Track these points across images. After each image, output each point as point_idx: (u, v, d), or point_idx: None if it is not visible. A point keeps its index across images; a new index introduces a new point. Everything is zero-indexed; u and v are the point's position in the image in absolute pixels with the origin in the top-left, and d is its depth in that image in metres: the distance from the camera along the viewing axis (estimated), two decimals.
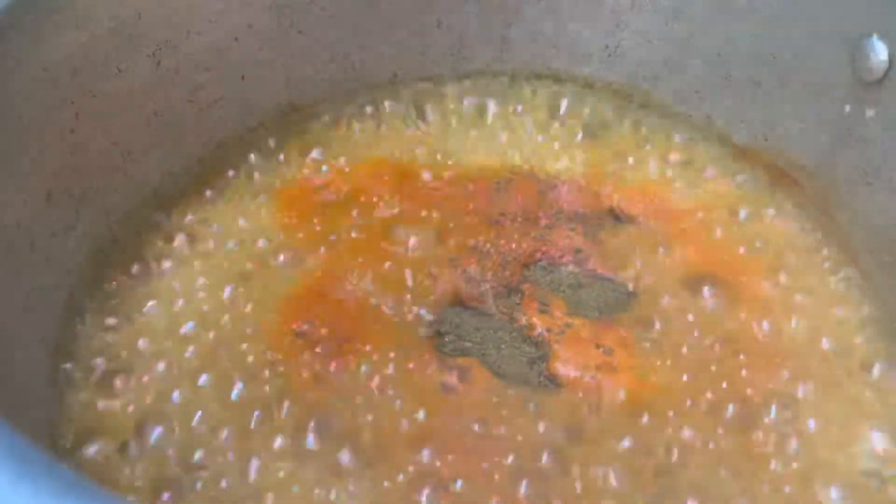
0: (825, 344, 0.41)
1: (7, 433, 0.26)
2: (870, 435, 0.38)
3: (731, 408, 0.39)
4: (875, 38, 0.41)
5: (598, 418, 0.38)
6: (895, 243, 0.42)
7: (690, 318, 0.42)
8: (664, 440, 0.38)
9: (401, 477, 0.36)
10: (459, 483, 0.36)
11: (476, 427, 0.38)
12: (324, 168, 0.48)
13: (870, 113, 0.42)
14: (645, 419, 0.38)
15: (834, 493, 0.36)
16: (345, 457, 0.37)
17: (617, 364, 0.40)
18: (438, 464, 0.36)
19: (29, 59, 0.38)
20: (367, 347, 0.40)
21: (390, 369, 0.40)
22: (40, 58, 0.39)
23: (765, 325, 0.42)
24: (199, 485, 0.36)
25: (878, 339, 0.41)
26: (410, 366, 0.40)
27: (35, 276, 0.39)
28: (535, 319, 0.42)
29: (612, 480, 0.36)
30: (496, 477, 0.36)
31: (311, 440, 0.37)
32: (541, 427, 0.38)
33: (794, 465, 0.37)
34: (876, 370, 0.40)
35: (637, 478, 0.36)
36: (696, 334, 0.41)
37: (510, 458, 0.37)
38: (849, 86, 0.43)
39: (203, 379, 0.39)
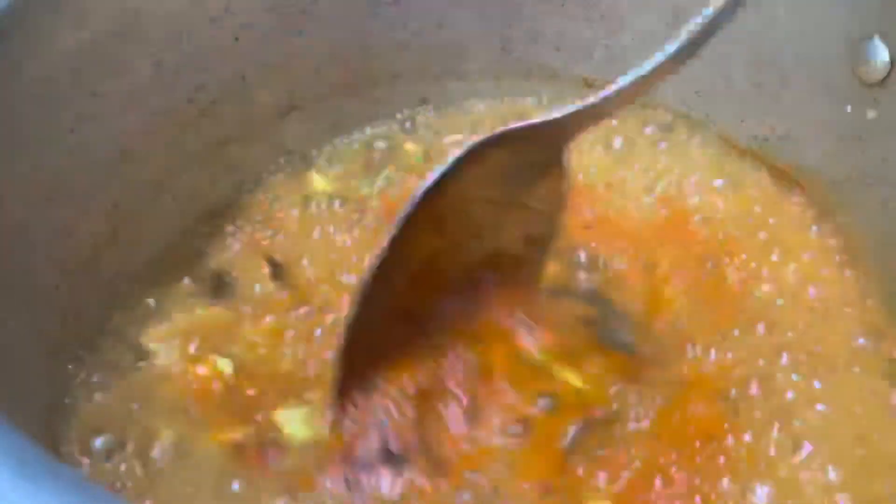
0: (826, 344, 0.41)
1: (7, 433, 0.26)
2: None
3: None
4: (876, 39, 0.41)
5: None
6: (895, 243, 0.42)
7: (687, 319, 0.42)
8: None
9: None
10: None
11: None
12: (325, 170, 0.48)
13: (871, 114, 0.42)
14: None
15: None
16: None
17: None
18: None
19: (29, 59, 0.38)
20: None
21: None
22: (40, 58, 0.39)
23: (764, 326, 0.42)
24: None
25: (879, 338, 0.41)
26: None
27: (35, 277, 0.39)
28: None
29: None
30: None
31: None
32: None
33: None
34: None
35: None
36: (696, 342, 0.41)
37: None
38: (850, 87, 0.43)
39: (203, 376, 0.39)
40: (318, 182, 0.48)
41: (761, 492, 0.36)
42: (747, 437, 0.38)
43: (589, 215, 0.46)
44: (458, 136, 0.50)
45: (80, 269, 0.41)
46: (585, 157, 0.49)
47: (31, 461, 0.25)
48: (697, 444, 0.37)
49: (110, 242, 0.43)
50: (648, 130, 0.50)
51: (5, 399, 0.32)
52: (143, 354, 0.41)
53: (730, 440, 0.37)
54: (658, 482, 0.36)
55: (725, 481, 0.36)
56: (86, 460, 0.37)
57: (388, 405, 0.37)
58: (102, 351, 0.41)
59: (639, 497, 0.36)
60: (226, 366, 0.40)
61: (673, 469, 0.36)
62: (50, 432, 0.37)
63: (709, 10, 0.34)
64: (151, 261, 0.44)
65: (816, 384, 0.40)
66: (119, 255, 0.43)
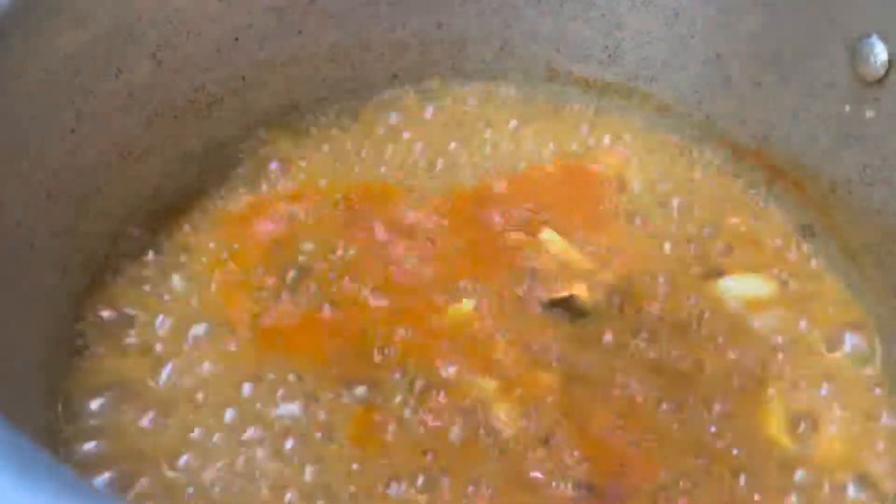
0: (825, 344, 0.41)
1: (7, 433, 0.26)
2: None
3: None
4: (875, 38, 0.41)
5: None
6: (895, 243, 0.42)
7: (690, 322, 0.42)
8: None
9: None
10: None
11: None
12: (331, 172, 0.48)
13: (870, 113, 0.42)
14: None
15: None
16: None
17: None
18: None
19: (29, 59, 0.38)
20: None
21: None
22: (40, 58, 0.39)
23: (764, 326, 0.42)
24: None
25: (878, 338, 0.41)
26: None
27: (35, 276, 0.39)
28: None
29: None
30: None
31: None
32: None
33: None
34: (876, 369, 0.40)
35: None
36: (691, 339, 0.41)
37: None
38: (849, 86, 0.43)
39: (206, 372, 0.39)
40: None
41: None
42: None
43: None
44: (457, 136, 0.50)
45: (80, 269, 0.41)
46: (585, 157, 0.49)
47: (31, 461, 0.25)
48: None
49: (111, 243, 0.43)
50: (647, 131, 0.50)
51: (5, 399, 0.32)
52: None
53: None
54: None
55: None
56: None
57: None
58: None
59: None
60: None
61: None
62: (50, 431, 0.37)
63: None
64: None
65: None
66: (119, 256, 0.43)
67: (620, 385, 0.39)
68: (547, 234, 0.45)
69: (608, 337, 0.41)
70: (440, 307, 0.42)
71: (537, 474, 0.36)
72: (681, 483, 0.36)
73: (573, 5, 0.51)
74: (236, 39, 0.47)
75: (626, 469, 0.37)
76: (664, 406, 0.39)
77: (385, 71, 0.51)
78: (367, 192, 0.47)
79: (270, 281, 0.43)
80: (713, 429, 0.38)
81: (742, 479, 0.37)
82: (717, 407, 0.39)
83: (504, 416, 0.38)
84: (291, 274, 0.43)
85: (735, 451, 0.37)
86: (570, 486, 0.36)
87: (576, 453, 0.37)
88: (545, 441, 0.37)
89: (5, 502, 0.24)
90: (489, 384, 0.39)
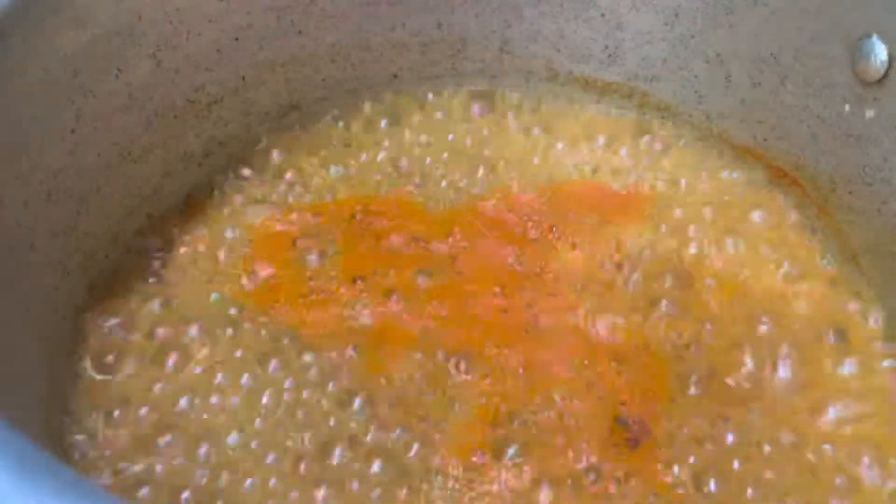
0: (826, 344, 0.41)
1: (7, 433, 0.26)
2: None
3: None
4: (875, 38, 0.41)
5: None
6: (895, 243, 0.42)
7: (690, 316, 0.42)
8: None
9: None
10: None
11: None
12: (331, 171, 0.48)
13: (870, 113, 0.42)
14: None
15: None
16: None
17: None
18: None
19: (29, 59, 0.38)
20: None
21: None
22: (40, 58, 0.39)
23: (763, 325, 0.42)
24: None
25: (879, 338, 0.41)
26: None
27: (35, 276, 0.39)
28: None
29: None
30: None
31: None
32: None
33: None
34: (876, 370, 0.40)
35: None
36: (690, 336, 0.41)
37: None
38: (849, 86, 0.43)
39: (214, 378, 0.39)
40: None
41: None
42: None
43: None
44: (457, 137, 0.50)
45: (80, 269, 0.41)
46: (585, 156, 0.49)
47: (31, 461, 0.25)
48: None
49: (111, 243, 0.43)
50: (647, 131, 0.50)
51: (5, 399, 0.32)
52: None
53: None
54: None
55: None
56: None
57: None
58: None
59: None
60: None
61: None
62: (50, 431, 0.37)
63: None
64: None
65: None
66: (120, 256, 0.43)
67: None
68: (562, 246, 0.45)
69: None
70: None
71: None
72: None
73: (573, 5, 0.51)
74: (236, 39, 0.47)
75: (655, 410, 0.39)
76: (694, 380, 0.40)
77: (385, 71, 0.51)
78: (371, 194, 0.47)
79: (272, 281, 0.43)
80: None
81: None
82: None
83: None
84: (296, 272, 0.43)
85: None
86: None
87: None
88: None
89: (5, 502, 0.24)
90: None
